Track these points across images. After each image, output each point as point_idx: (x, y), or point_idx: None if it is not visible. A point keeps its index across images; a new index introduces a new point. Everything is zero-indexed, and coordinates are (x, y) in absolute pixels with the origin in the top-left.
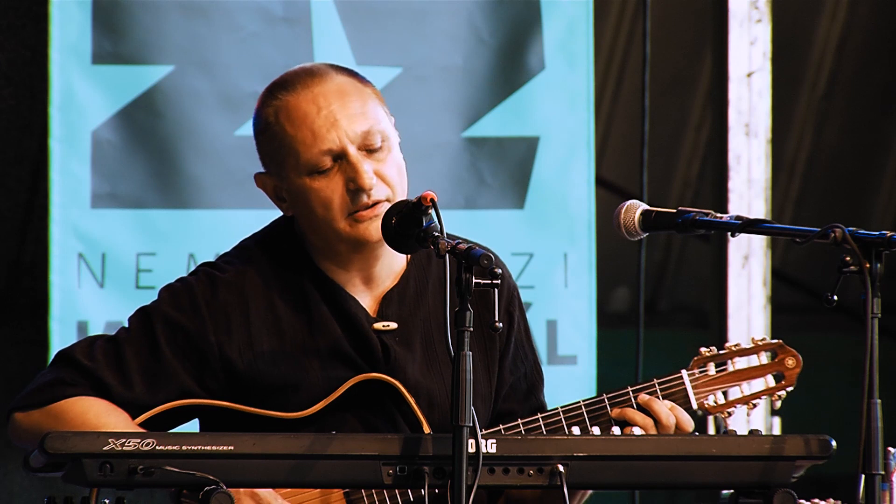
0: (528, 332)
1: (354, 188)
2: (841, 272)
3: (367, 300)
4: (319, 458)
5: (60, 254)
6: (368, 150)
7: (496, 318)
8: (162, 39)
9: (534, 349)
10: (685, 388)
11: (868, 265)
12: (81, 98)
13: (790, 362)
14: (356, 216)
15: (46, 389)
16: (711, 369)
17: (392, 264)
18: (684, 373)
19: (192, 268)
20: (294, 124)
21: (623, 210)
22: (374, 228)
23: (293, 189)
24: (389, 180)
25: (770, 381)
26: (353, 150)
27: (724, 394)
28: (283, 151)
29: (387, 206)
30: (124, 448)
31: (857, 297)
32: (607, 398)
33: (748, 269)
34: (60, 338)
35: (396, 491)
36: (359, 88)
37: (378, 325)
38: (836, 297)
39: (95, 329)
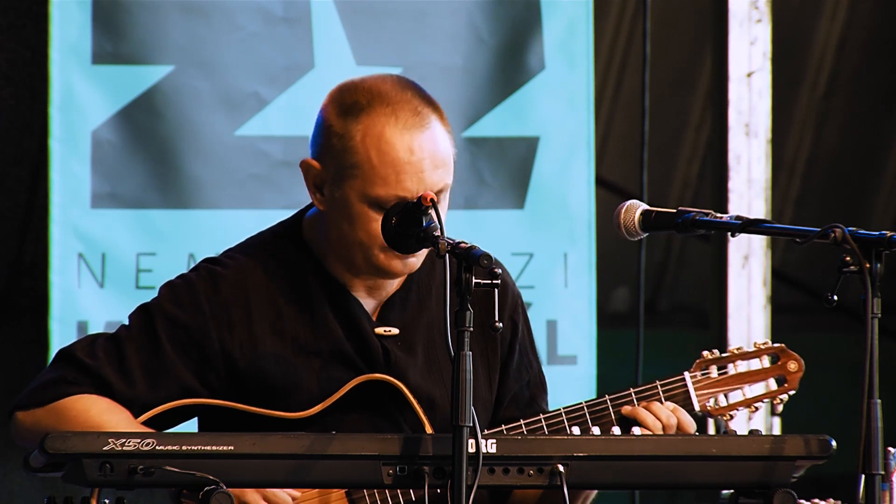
0: (532, 340)
1: None
2: (841, 272)
3: (370, 304)
4: (319, 458)
5: (60, 254)
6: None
7: (496, 319)
8: (162, 39)
9: (538, 357)
10: (687, 390)
11: (868, 265)
12: (81, 98)
13: (792, 366)
14: (396, 253)
15: (48, 388)
16: (713, 372)
17: None
18: (686, 375)
19: None
20: (382, 159)
21: (623, 210)
22: (404, 264)
23: (343, 202)
24: None
25: (772, 384)
26: None
27: (726, 396)
28: (354, 171)
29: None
30: (124, 448)
31: (857, 297)
32: (609, 400)
33: (748, 269)
34: (60, 338)
35: (398, 490)
36: (447, 137)
37: (379, 330)
38: (836, 297)
39: (95, 329)
